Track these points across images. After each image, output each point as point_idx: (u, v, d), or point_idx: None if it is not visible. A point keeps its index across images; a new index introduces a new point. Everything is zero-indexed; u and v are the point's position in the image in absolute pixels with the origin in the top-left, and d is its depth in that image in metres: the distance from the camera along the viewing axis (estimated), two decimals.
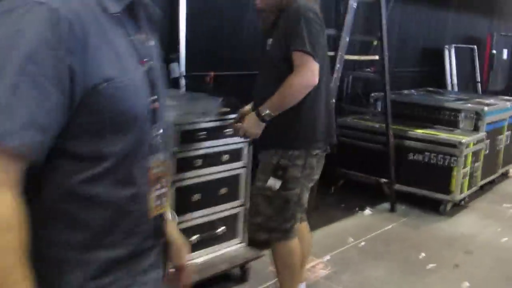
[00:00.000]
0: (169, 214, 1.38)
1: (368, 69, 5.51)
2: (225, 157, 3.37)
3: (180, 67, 3.89)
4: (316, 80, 2.48)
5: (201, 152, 3.21)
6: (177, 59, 3.87)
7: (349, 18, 4.13)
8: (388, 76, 4.66)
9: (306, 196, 2.81)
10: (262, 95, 2.63)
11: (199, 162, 3.23)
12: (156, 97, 1.17)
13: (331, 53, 4.20)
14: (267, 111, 2.54)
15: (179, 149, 3.08)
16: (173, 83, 3.87)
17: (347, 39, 4.12)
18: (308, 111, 2.59)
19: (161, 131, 1.19)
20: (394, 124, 4.94)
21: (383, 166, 4.87)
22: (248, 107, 2.88)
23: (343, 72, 5.03)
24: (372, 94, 5.70)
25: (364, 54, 5.23)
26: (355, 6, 4.14)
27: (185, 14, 3.84)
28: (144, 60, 1.15)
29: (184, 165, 3.15)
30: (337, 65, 4.07)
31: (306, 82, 2.48)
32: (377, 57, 4.70)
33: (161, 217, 1.25)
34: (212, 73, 4.12)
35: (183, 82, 3.89)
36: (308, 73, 2.46)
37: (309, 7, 2.51)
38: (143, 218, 1.17)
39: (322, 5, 4.90)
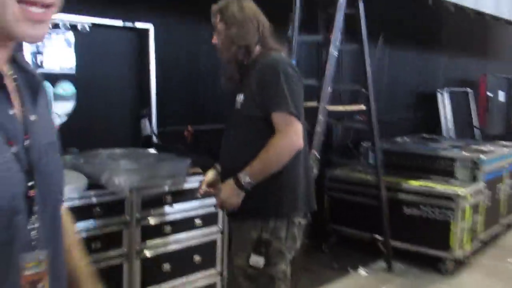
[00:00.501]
0: None
1: (358, 117, 5.25)
2: (198, 222, 3.09)
3: (151, 124, 3.63)
4: (301, 142, 2.25)
5: (168, 218, 2.94)
6: (147, 115, 3.62)
7: (330, 67, 3.89)
8: (376, 125, 4.39)
9: (289, 269, 2.49)
10: (235, 160, 2.34)
11: (167, 228, 2.95)
12: (33, 182, 0.98)
13: (313, 104, 3.97)
14: (248, 179, 2.25)
15: (141, 215, 2.81)
16: (145, 141, 3.61)
17: (329, 89, 3.87)
18: (288, 175, 2.32)
19: (37, 224, 0.99)
20: (387, 175, 4.64)
21: (377, 221, 4.54)
22: (211, 173, 2.59)
23: (332, 122, 4.83)
24: (363, 144, 5.43)
25: (354, 102, 4.99)
26: (336, 55, 3.91)
27: (155, 64, 3.60)
28: (12, 141, 0.96)
29: (150, 232, 2.88)
30: (320, 117, 3.81)
31: (292, 145, 2.23)
32: (363, 107, 4.44)
33: None
34: (189, 127, 3.88)
35: (155, 140, 3.62)
36: (293, 136, 2.22)
37: (287, 61, 2.33)
38: None
39: (302, 54, 4.85)
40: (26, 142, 0.99)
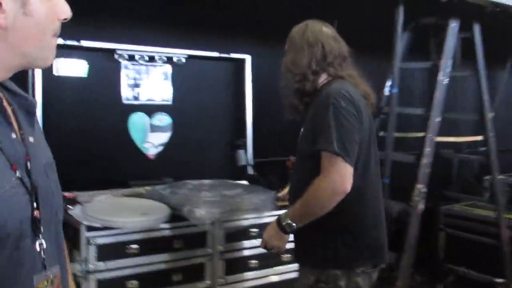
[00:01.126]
0: None
1: (483, 149, 4.83)
2: (286, 256, 2.96)
3: (247, 154, 3.59)
4: (347, 186, 1.95)
5: (254, 251, 2.84)
6: (243, 145, 3.58)
7: (439, 95, 3.61)
8: (495, 157, 3.99)
9: None
10: (292, 197, 2.18)
11: (253, 263, 2.86)
12: (36, 204, 1.01)
13: (420, 134, 3.70)
14: (288, 221, 2.08)
15: (224, 248, 2.75)
16: (240, 172, 3.57)
17: (438, 119, 3.59)
18: (348, 221, 2.09)
19: (45, 244, 1.03)
20: (510, 213, 4.19)
21: (497, 262, 4.10)
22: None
23: (449, 155, 4.49)
24: (486, 178, 4.96)
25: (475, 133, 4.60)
26: (445, 82, 3.62)
27: (251, 94, 3.57)
28: (16, 165, 0.99)
29: (236, 267, 2.80)
30: (427, 148, 3.53)
31: (334, 189, 1.95)
32: (480, 138, 4.06)
33: None
34: (291, 158, 3.79)
35: (250, 171, 3.58)
36: (337, 178, 1.95)
37: (344, 91, 2.02)
38: None
39: (410, 82, 4.56)
40: (28, 164, 1.02)
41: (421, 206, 3.53)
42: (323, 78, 2.15)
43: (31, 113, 1.10)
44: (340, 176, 1.94)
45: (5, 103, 1.02)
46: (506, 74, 5.37)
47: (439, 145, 3.97)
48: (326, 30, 2.18)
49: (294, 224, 2.06)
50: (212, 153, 3.58)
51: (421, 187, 3.52)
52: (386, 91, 3.90)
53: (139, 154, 3.31)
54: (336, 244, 2.07)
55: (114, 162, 3.20)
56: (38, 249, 1.01)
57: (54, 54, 1.07)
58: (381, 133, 3.84)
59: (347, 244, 2.07)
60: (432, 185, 3.69)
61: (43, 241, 1.02)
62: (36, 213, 1.01)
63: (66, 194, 2.83)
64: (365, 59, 4.47)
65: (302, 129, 2.20)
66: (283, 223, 2.09)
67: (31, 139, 1.07)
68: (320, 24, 2.21)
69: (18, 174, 0.98)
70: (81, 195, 2.93)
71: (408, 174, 3.64)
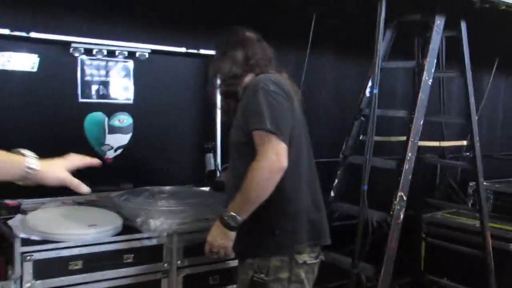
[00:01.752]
0: None
1: (468, 154, 4.61)
2: None
3: (216, 159, 3.34)
4: (283, 162, 1.96)
5: (216, 266, 2.59)
6: (212, 149, 3.33)
7: (423, 97, 3.37)
8: (480, 163, 3.76)
9: None
10: (232, 192, 2.10)
11: (215, 279, 2.60)
12: None
13: (402, 138, 3.47)
14: (231, 213, 2.02)
15: (183, 264, 2.49)
16: (209, 177, 3.31)
17: (421, 121, 3.35)
18: (287, 204, 2.09)
19: None
20: (495, 221, 3.99)
21: (482, 274, 3.88)
22: None
23: (434, 160, 4.28)
24: (471, 184, 4.75)
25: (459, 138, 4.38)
26: (429, 83, 3.39)
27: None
28: None
29: (196, 284, 2.55)
30: (408, 154, 3.29)
31: (271, 167, 1.95)
32: (464, 142, 3.84)
33: None
34: None
35: (220, 176, 3.32)
36: (272, 156, 1.95)
37: (270, 78, 2.09)
38: None
39: (393, 82, 4.35)
40: None
41: (401, 215, 3.29)
42: (249, 78, 2.20)
43: None
44: (276, 154, 1.95)
45: None
46: (491, 76, 5.18)
47: (421, 150, 3.75)
48: (249, 35, 2.27)
49: (238, 217, 2.02)
50: (177, 157, 3.32)
51: (402, 194, 3.29)
52: (367, 92, 3.67)
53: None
54: (274, 228, 2.07)
55: None
56: None
57: None
58: (361, 137, 3.61)
59: (286, 227, 2.07)
60: (414, 192, 3.47)
61: None
62: None
63: (9, 201, 2.56)
64: (345, 57, 4.33)
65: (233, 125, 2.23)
66: (226, 218, 2.03)
67: None
68: (243, 30, 2.29)
69: None
70: (27, 203, 2.66)
71: (388, 181, 3.41)
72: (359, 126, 3.66)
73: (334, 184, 3.68)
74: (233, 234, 2.05)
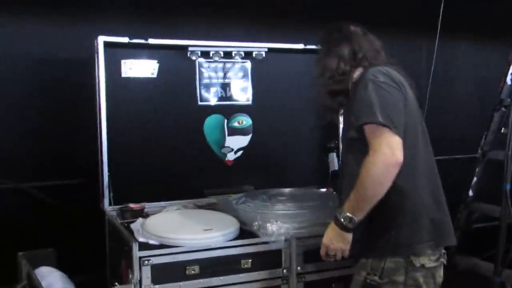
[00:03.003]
0: None
1: None
2: None
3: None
4: (399, 156, 1.81)
5: (339, 272, 2.43)
6: (335, 148, 3.16)
7: None
8: None
9: None
10: (346, 191, 1.97)
11: (340, 285, 2.45)
12: None
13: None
14: (346, 214, 1.89)
15: (304, 269, 2.36)
16: (333, 178, 3.15)
17: None
18: (404, 201, 1.91)
19: None
20: None
21: None
22: None
23: None
24: None
25: None
26: None
27: None
28: None
29: None
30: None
31: (385, 161, 1.80)
32: None
33: None
34: None
35: None
36: (386, 150, 1.80)
37: (380, 69, 1.95)
38: None
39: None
40: None
41: None
42: (358, 72, 2.06)
43: None
44: (390, 147, 1.80)
45: None
46: None
47: None
48: (354, 29, 2.15)
49: (354, 217, 1.88)
50: (299, 157, 3.21)
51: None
52: (508, 79, 3.31)
53: (216, 160, 3.02)
54: (390, 227, 1.92)
55: (188, 169, 2.94)
56: None
57: None
58: (502, 130, 3.25)
59: (402, 226, 1.92)
60: None
61: None
62: None
63: (132, 205, 2.61)
64: (481, 42, 3.96)
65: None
66: (342, 219, 1.90)
67: None
68: (347, 24, 2.17)
69: None
70: (150, 207, 2.70)
71: None
72: (500, 118, 3.34)
73: (473, 182, 3.36)
74: (349, 236, 1.93)
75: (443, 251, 2.02)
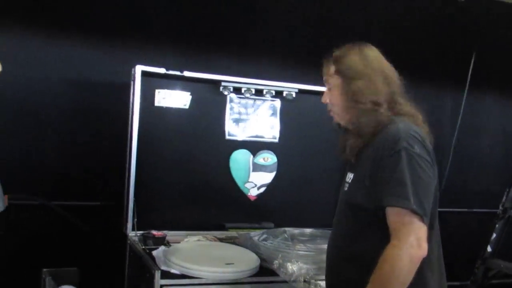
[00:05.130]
0: None
1: None
2: None
3: None
4: (425, 250, 1.58)
5: None
6: None
7: None
8: None
9: None
10: (335, 271, 1.81)
11: None
12: None
13: None
14: None
15: None
16: None
17: None
18: None
19: None
20: None
21: None
22: None
23: None
24: None
25: None
26: None
27: None
28: None
29: None
30: None
31: (412, 255, 1.56)
32: None
33: None
34: None
35: None
36: (413, 242, 1.56)
37: (413, 132, 1.66)
38: None
39: None
40: None
41: None
42: (386, 116, 1.74)
43: None
44: (417, 239, 1.57)
45: None
46: None
47: None
48: (381, 56, 1.84)
49: None
50: (321, 197, 3.21)
51: None
52: None
53: (239, 194, 3.05)
54: None
55: (211, 201, 2.98)
56: None
57: None
58: None
59: None
60: None
61: None
62: None
63: (155, 232, 2.65)
64: (510, 97, 3.97)
65: (350, 175, 1.81)
66: None
67: None
68: (374, 48, 1.85)
69: None
70: (172, 235, 2.74)
71: None
72: None
73: (492, 238, 3.34)
74: None
75: None
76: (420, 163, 1.61)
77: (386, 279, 1.57)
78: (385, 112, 1.75)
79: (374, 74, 1.77)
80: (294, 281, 2.28)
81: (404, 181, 1.59)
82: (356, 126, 1.77)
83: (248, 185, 3.07)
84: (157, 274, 2.15)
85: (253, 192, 3.08)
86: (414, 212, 1.57)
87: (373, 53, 1.84)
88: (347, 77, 1.80)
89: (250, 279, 2.28)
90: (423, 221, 1.58)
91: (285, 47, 3.18)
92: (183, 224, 2.87)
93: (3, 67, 2.22)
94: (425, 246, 1.58)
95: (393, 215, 1.60)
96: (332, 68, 1.86)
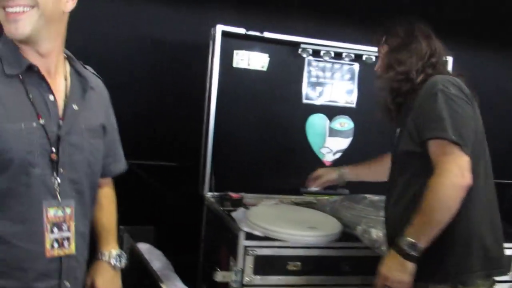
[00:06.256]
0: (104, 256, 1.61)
1: None
2: None
3: None
4: (468, 178, 1.65)
5: None
6: None
7: None
8: None
9: None
10: (393, 214, 1.91)
11: None
12: (55, 150, 1.33)
13: None
14: (409, 240, 1.70)
15: None
16: None
17: None
18: (456, 228, 1.72)
19: (60, 181, 1.34)
20: None
21: None
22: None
23: None
24: None
25: None
26: None
27: None
28: (41, 115, 1.32)
29: None
30: None
31: (455, 183, 1.64)
32: None
33: (69, 259, 1.38)
34: None
35: None
36: (455, 170, 1.64)
37: (450, 80, 1.79)
38: (36, 256, 1.32)
39: None
40: (60, 122, 1.36)
41: None
42: (422, 77, 1.89)
43: (84, 89, 1.46)
44: (459, 168, 1.65)
45: (57, 75, 1.41)
46: None
47: None
48: (428, 30, 2.00)
49: (418, 244, 1.69)
50: None
51: None
52: None
53: (315, 159, 3.01)
54: (440, 253, 1.74)
55: (287, 165, 2.95)
56: (53, 183, 1.33)
57: (9, 24, 1.28)
58: None
59: (454, 252, 1.76)
60: None
61: (60, 179, 1.34)
62: (53, 155, 1.32)
63: (232, 194, 2.64)
64: None
65: (397, 131, 1.96)
66: (404, 246, 1.70)
67: (74, 106, 1.41)
68: (423, 23, 2.02)
69: (42, 121, 1.31)
70: (248, 197, 2.72)
71: None
72: None
73: None
74: (412, 266, 1.71)
75: (495, 280, 1.85)
76: (457, 100, 1.72)
77: (431, 207, 1.66)
78: (418, 78, 1.89)
79: (413, 46, 1.93)
80: (378, 247, 2.23)
81: (441, 116, 1.69)
82: (388, 90, 1.97)
83: (323, 150, 3.02)
84: (242, 235, 2.14)
85: (328, 158, 3.03)
86: (454, 142, 1.65)
87: (422, 27, 1.99)
88: (390, 47, 2.01)
89: (334, 244, 2.25)
90: (464, 151, 1.66)
91: (364, 9, 3.06)
92: (258, 187, 2.85)
93: (82, 25, 2.22)
94: (468, 175, 1.64)
95: (434, 146, 1.70)
96: (383, 39, 2.06)
